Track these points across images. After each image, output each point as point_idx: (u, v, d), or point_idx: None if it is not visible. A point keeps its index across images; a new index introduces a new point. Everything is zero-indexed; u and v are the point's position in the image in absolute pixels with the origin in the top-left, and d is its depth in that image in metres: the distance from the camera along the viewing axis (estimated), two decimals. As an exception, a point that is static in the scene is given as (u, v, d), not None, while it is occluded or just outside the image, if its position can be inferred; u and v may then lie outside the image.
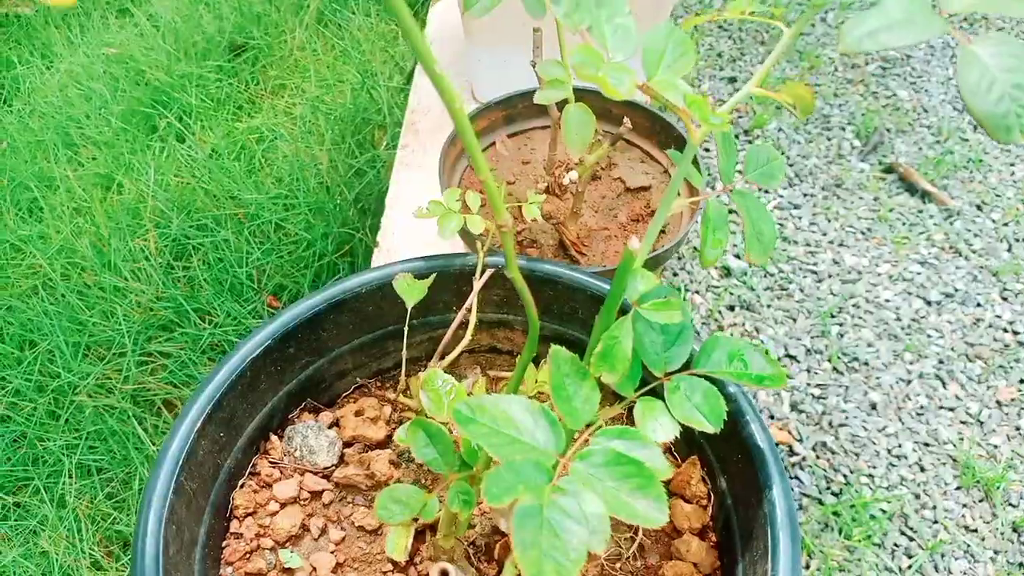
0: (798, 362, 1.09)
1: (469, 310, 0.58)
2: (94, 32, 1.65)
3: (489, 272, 0.57)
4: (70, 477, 1.02)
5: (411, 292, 0.55)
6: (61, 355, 1.12)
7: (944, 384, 1.06)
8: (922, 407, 1.03)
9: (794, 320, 1.14)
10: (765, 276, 1.18)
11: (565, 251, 0.79)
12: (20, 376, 1.11)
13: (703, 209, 0.49)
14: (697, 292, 1.14)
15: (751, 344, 0.48)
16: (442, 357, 0.55)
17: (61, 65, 1.59)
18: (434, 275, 0.58)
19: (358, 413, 0.60)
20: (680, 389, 0.46)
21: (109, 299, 1.16)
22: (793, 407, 1.03)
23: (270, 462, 0.58)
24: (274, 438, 0.59)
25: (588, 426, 0.42)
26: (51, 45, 1.65)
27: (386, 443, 0.61)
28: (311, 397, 0.62)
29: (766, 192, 1.32)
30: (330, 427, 0.61)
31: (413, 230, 0.98)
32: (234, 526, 0.56)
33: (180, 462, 0.50)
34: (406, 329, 0.58)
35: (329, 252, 1.14)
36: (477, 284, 0.58)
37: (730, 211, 1.07)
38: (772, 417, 1.02)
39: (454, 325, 0.58)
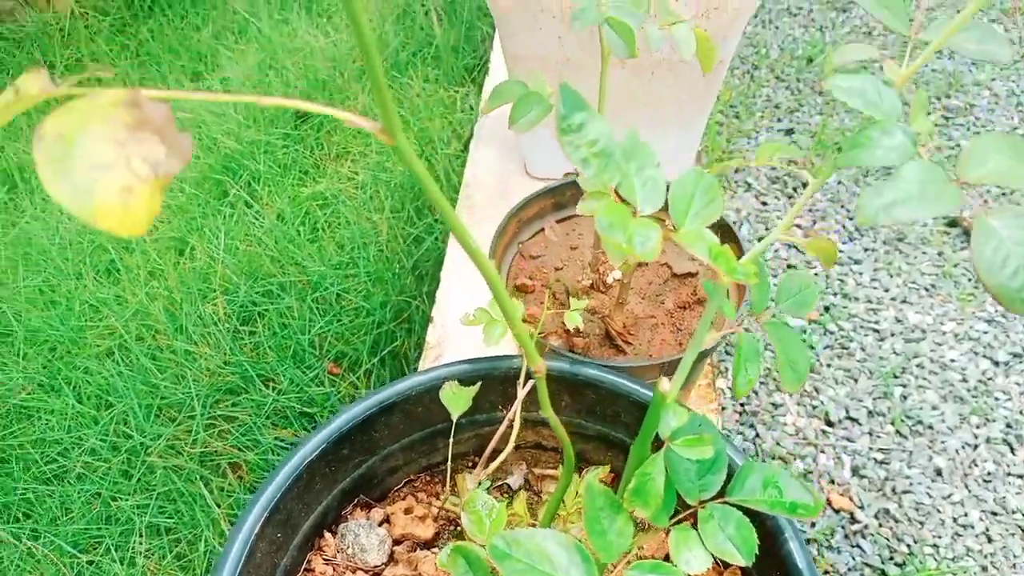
0: (859, 424, 1.08)
1: (513, 417, 0.60)
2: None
3: (531, 383, 0.60)
4: (140, 536, 1.07)
5: (456, 402, 0.58)
6: (134, 416, 1.17)
7: (1013, 449, 1.04)
8: (989, 473, 1.02)
9: (855, 380, 1.13)
10: (825, 334, 1.18)
11: (611, 341, 0.81)
12: (96, 436, 1.17)
13: (736, 343, 0.51)
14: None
15: (786, 470, 0.50)
16: (487, 464, 0.58)
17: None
18: (479, 383, 0.60)
19: (407, 511, 0.63)
20: (713, 518, 0.47)
21: (180, 362, 1.21)
22: (855, 472, 1.03)
23: (324, 559, 0.61)
24: (328, 535, 0.62)
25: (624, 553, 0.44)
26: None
27: (434, 541, 0.63)
28: (363, 493, 0.65)
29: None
30: (380, 524, 0.63)
31: (467, 304, 1.02)
32: (291, 622, 0.59)
33: (239, 566, 0.53)
34: (451, 441, 0.61)
35: (387, 320, 1.18)
36: (521, 392, 0.60)
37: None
38: (832, 482, 1.02)
39: (499, 432, 0.60)
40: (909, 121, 0.45)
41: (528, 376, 0.62)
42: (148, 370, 1.21)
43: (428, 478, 0.68)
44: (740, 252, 0.86)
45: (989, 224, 0.38)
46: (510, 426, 0.61)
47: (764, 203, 1.90)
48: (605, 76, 0.66)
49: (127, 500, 1.10)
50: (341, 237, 1.32)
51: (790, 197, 1.80)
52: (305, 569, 0.61)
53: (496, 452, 0.62)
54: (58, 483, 1.14)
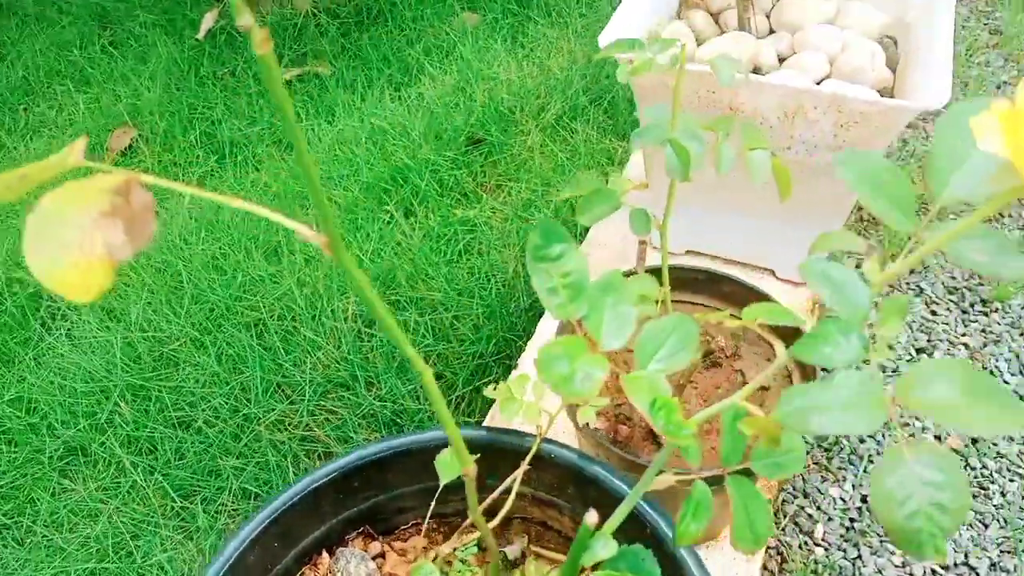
0: (977, 574, 1.02)
1: (509, 488, 0.64)
2: (372, 102, 1.89)
3: (524, 465, 0.63)
4: (231, 495, 1.19)
5: (447, 469, 0.62)
6: (255, 387, 1.31)
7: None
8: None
9: (985, 526, 1.07)
10: (965, 468, 1.12)
11: (655, 437, 0.82)
12: (222, 396, 1.31)
13: (689, 490, 0.52)
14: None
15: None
16: (465, 532, 0.62)
17: (338, 126, 1.84)
18: (478, 455, 0.64)
19: (402, 552, 0.68)
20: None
21: (305, 349, 1.33)
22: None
23: None
24: (326, 555, 0.69)
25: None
26: (335, 107, 1.91)
27: (417, 584, 0.68)
28: (369, 524, 0.71)
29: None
30: (375, 558, 0.69)
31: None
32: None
33: (230, 562, 0.60)
34: (433, 502, 0.65)
35: (488, 354, 1.24)
36: (521, 467, 0.64)
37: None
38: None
39: (494, 494, 0.64)
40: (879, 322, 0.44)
41: (535, 455, 0.66)
42: (277, 349, 1.34)
43: (435, 525, 0.73)
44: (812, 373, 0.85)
45: (901, 453, 0.38)
46: (506, 493, 0.65)
47: (934, 312, 1.80)
48: (673, 191, 0.68)
49: (229, 460, 1.23)
50: (473, 265, 1.39)
51: (964, 312, 1.69)
52: (296, 578, 0.68)
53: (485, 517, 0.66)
54: (182, 430, 1.29)
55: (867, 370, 0.40)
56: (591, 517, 0.49)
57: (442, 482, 0.63)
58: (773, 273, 1.15)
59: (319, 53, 2.08)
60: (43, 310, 1.51)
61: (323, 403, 1.27)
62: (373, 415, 1.23)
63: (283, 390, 1.31)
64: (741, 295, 0.88)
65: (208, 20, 2.09)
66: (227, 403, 1.30)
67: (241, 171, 1.78)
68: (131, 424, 1.30)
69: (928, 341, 1.79)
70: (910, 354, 1.76)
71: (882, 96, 1.00)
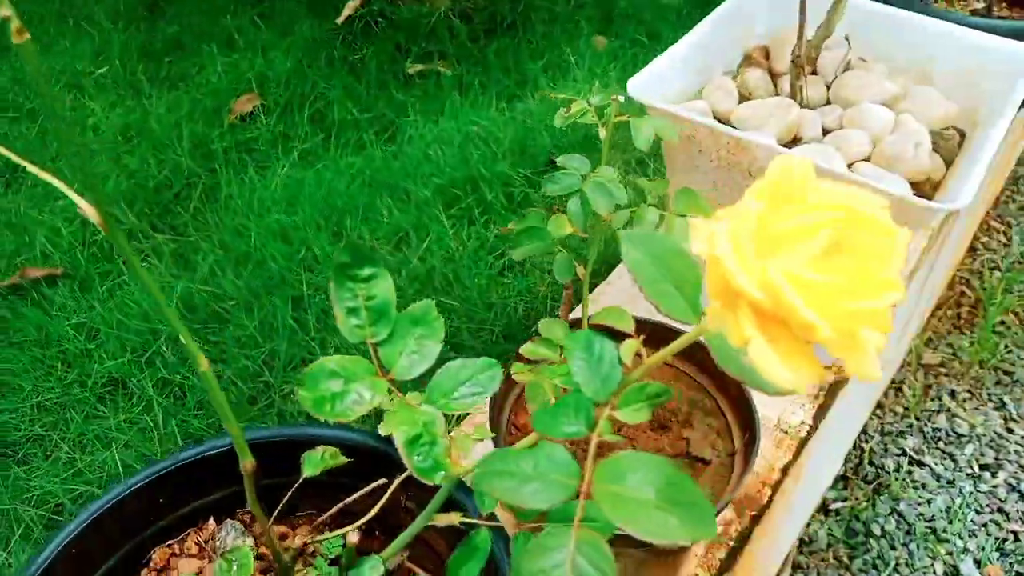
0: None
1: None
2: (479, 108, 1.93)
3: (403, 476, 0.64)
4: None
5: (311, 464, 0.64)
6: (280, 358, 1.37)
7: None
8: None
9: None
10: None
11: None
12: (251, 360, 1.38)
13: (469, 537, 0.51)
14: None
15: None
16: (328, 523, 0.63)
17: (441, 125, 1.89)
18: (348, 460, 0.66)
19: (282, 536, 0.71)
20: None
21: (335, 331, 1.39)
22: None
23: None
24: (213, 522, 0.72)
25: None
26: (444, 107, 1.96)
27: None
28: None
29: None
30: (259, 535, 0.72)
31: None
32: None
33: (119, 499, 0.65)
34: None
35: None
36: (396, 482, 0.65)
37: None
38: None
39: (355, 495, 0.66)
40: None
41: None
42: (310, 327, 1.40)
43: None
44: (752, 440, 0.80)
45: (567, 536, 0.36)
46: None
47: (1010, 429, 1.67)
48: (594, 241, 0.67)
49: (242, 421, 1.30)
50: (511, 284, 1.40)
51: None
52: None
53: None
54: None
55: (564, 453, 0.38)
56: (352, 537, 0.49)
57: (304, 473, 0.65)
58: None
59: (444, 54, 2.14)
60: (130, 248, 1.63)
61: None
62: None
63: (306, 365, 1.37)
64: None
65: (351, 7, 2.20)
66: (253, 366, 1.37)
67: (342, 152, 1.86)
68: (169, 368, 1.40)
69: (995, 459, 1.65)
70: (971, 468, 1.63)
71: (918, 188, 0.94)
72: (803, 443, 1.02)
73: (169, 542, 0.74)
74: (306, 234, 1.59)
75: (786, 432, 1.02)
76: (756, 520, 0.97)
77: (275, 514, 0.71)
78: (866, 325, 0.31)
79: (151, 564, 0.73)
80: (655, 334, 0.85)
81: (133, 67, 2.07)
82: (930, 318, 1.91)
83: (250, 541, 0.71)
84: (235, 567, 0.60)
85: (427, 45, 2.16)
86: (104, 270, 1.59)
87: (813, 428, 1.04)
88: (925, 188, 0.94)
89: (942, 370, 1.84)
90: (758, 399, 1.07)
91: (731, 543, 0.94)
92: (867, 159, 0.95)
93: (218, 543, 0.71)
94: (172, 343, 1.43)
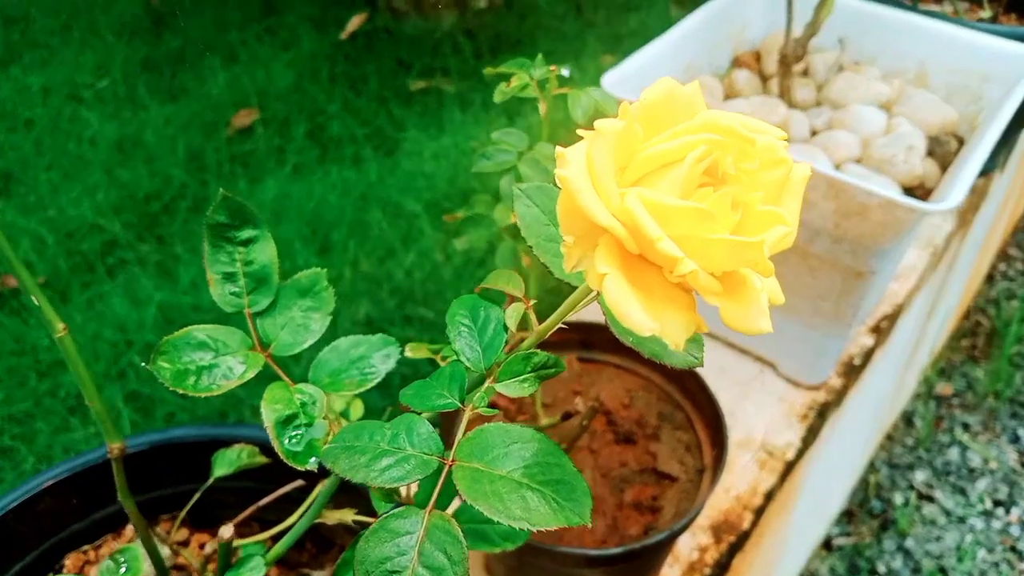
0: None
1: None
2: (480, 124, 1.89)
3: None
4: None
5: (224, 463, 0.58)
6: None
7: None
8: None
9: None
10: None
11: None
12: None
13: None
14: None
15: None
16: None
17: (441, 140, 1.85)
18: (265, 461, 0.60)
19: (202, 545, 0.66)
20: None
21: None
22: None
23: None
24: (130, 529, 0.67)
25: None
26: (445, 122, 1.93)
27: None
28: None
29: None
30: (181, 543, 0.67)
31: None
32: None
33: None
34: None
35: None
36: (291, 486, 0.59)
37: None
38: None
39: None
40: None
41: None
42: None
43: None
44: (719, 438, 0.74)
45: (419, 518, 0.30)
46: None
47: (1025, 464, 1.58)
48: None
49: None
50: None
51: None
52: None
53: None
54: (179, 397, 1.33)
55: (425, 425, 0.32)
56: (226, 531, 0.44)
57: (216, 473, 0.60)
58: (775, 368, 1.03)
59: (447, 70, 2.11)
60: (113, 258, 1.60)
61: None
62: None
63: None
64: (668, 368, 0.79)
65: (355, 22, 2.18)
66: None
67: (337, 167, 1.83)
68: (140, 380, 1.36)
69: (1009, 494, 1.56)
70: (983, 504, 1.54)
71: (912, 193, 0.88)
72: (790, 466, 0.95)
73: (84, 548, 0.69)
74: (292, 247, 1.55)
75: (771, 454, 0.95)
76: (736, 548, 0.90)
77: (182, 516, 0.66)
78: (744, 264, 0.25)
79: (63, 570, 0.68)
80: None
81: (134, 80, 2.06)
82: (944, 348, 1.83)
83: (167, 551, 0.65)
84: (123, 569, 0.55)
85: (430, 61, 2.14)
86: (85, 281, 1.56)
87: (801, 451, 0.97)
88: (918, 193, 0.88)
89: (955, 401, 1.76)
90: (744, 415, 1.00)
91: (706, 570, 0.87)
92: (858, 161, 0.89)
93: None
94: (146, 354, 1.39)
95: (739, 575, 0.98)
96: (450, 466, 0.32)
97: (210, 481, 0.60)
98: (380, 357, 0.43)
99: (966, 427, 1.70)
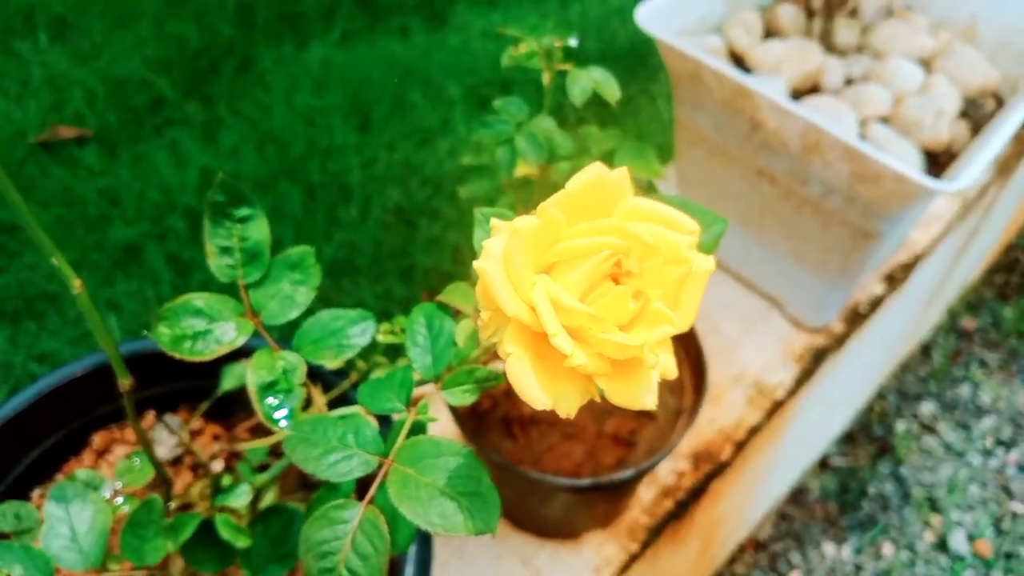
0: None
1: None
2: (536, 1, 1.84)
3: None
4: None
5: (232, 378, 0.64)
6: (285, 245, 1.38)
7: None
8: None
9: None
10: None
11: (508, 426, 0.79)
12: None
13: None
14: None
15: None
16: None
17: (488, 18, 1.82)
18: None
19: (215, 437, 0.73)
20: None
21: (336, 224, 1.38)
22: None
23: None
24: (152, 414, 0.74)
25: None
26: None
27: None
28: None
29: None
30: (194, 433, 0.74)
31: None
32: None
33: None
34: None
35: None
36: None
37: None
38: None
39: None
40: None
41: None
42: (301, 219, 1.40)
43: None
44: (700, 385, 0.78)
45: (349, 510, 0.35)
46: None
47: None
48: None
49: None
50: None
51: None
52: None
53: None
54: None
55: (371, 428, 0.36)
56: (217, 466, 0.49)
57: (222, 388, 0.66)
58: (781, 307, 1.05)
59: None
60: (160, 117, 1.64)
61: (331, 281, 1.32)
62: (363, 304, 1.27)
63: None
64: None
65: None
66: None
67: (383, 38, 1.82)
68: (180, 243, 1.42)
69: (1012, 436, 1.59)
70: (984, 442, 1.57)
71: (937, 158, 0.86)
72: (778, 405, 0.99)
73: (111, 427, 0.76)
74: (331, 120, 1.57)
75: (760, 391, 0.99)
76: (713, 476, 0.95)
77: (198, 413, 0.72)
78: (629, 355, 0.28)
79: (92, 446, 0.75)
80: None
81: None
82: (977, 283, 1.81)
83: (183, 438, 0.72)
84: (136, 464, 0.61)
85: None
86: (133, 136, 1.60)
87: (792, 390, 1.00)
88: (942, 158, 0.86)
89: (977, 337, 1.76)
90: (743, 351, 1.04)
91: (680, 494, 0.92)
92: (886, 119, 0.88)
93: (154, 434, 0.73)
94: (186, 218, 1.45)
95: (718, 496, 1.04)
96: (388, 467, 0.36)
97: (218, 393, 0.66)
98: (357, 330, 0.46)
99: (983, 364, 1.71)
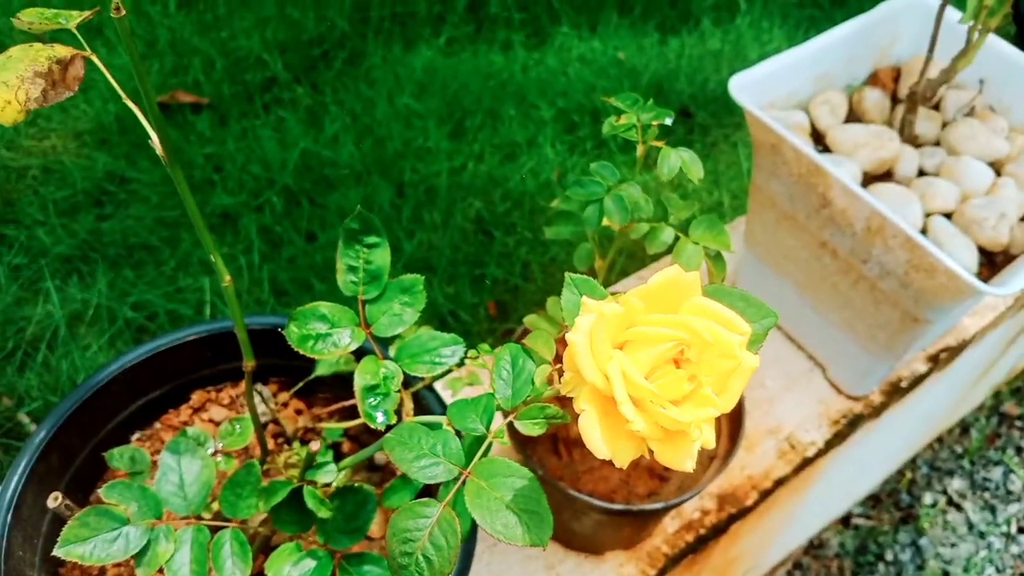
0: None
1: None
2: (634, 31, 1.91)
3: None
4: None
5: (324, 366, 0.73)
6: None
7: None
8: None
9: None
10: None
11: (555, 443, 0.87)
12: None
13: None
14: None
15: None
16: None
17: (588, 43, 1.89)
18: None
19: (299, 411, 0.82)
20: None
21: (421, 225, 1.47)
22: None
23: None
24: (231, 387, 0.83)
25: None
26: (597, 22, 1.96)
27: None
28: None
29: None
30: (283, 404, 0.83)
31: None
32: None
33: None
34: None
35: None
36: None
37: None
38: None
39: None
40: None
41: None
42: (390, 213, 1.50)
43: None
44: (736, 435, 0.85)
45: (429, 507, 0.43)
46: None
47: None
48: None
49: (317, 283, 1.42)
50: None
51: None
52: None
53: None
54: (305, 241, 1.50)
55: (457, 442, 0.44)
56: (314, 446, 0.58)
57: (315, 373, 0.75)
58: (824, 370, 1.11)
59: None
60: (270, 95, 1.75)
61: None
62: (433, 304, 1.36)
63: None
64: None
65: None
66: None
67: (485, 49, 1.90)
68: (275, 217, 1.53)
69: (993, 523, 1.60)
70: (1008, 527, 1.60)
71: (994, 257, 0.92)
72: (807, 461, 1.05)
73: (209, 388, 0.86)
74: (427, 123, 1.66)
75: (793, 447, 1.05)
76: (735, 519, 1.01)
77: (292, 392, 0.81)
78: (680, 428, 0.35)
79: (190, 402, 0.85)
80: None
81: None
82: (1026, 369, 1.83)
83: (270, 408, 0.82)
84: (237, 430, 0.70)
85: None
86: (243, 110, 1.72)
87: (823, 451, 1.06)
88: (999, 259, 0.91)
89: (1018, 423, 1.78)
90: (782, 406, 1.10)
91: (702, 530, 0.99)
92: (950, 214, 0.93)
93: (244, 400, 0.82)
94: (283, 195, 1.55)
95: (736, 537, 1.10)
96: (466, 477, 0.44)
97: (311, 376, 0.75)
98: (448, 351, 0.54)
99: (1020, 450, 1.73)
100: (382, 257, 0.55)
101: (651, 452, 0.38)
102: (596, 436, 0.36)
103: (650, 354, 0.36)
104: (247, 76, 1.76)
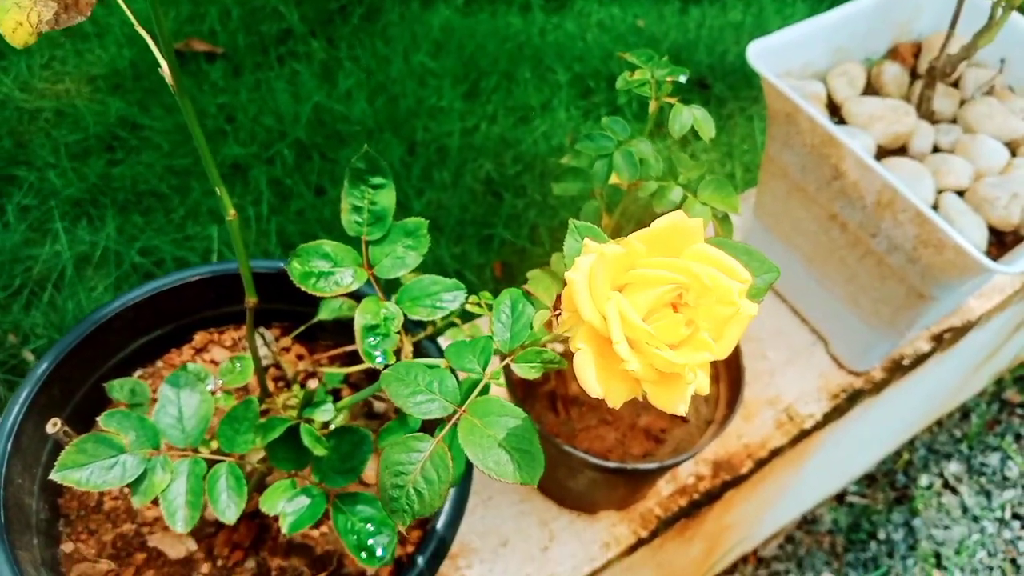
0: None
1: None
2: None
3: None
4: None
5: (327, 310, 0.73)
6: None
7: None
8: None
9: None
10: None
11: (552, 402, 0.87)
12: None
13: None
14: None
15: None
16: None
17: (608, 8, 1.88)
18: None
19: (300, 356, 0.82)
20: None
21: (430, 182, 1.47)
22: None
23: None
24: (232, 329, 0.84)
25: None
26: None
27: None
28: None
29: None
30: (284, 349, 0.83)
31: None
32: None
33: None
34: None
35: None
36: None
37: None
38: None
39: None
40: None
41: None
42: (399, 171, 1.49)
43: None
44: (734, 401, 0.85)
45: (422, 442, 0.43)
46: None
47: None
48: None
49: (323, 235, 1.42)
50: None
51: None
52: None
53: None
54: (314, 195, 1.50)
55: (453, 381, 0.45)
56: (312, 384, 0.58)
57: (318, 317, 0.75)
58: (826, 344, 1.11)
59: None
60: (285, 48, 1.74)
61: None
62: (440, 263, 1.36)
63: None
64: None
65: None
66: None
67: (504, 10, 1.89)
68: (285, 170, 1.53)
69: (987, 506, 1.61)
70: (1003, 512, 1.61)
71: (1003, 237, 0.91)
72: (804, 434, 1.05)
73: (212, 330, 0.86)
74: (442, 83, 1.65)
75: (791, 418, 1.05)
76: (729, 486, 1.02)
77: (294, 334, 0.81)
78: (674, 370, 0.35)
79: (193, 343, 0.85)
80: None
81: None
82: (1030, 356, 1.82)
83: (272, 351, 0.82)
84: (237, 368, 0.71)
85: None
86: (257, 61, 1.71)
87: (820, 424, 1.06)
88: (1008, 239, 0.91)
89: (1019, 411, 1.78)
90: (782, 378, 1.10)
91: (696, 495, 1.00)
92: (962, 192, 0.92)
93: (247, 342, 0.83)
94: (294, 148, 1.55)
95: (730, 505, 1.11)
96: (460, 415, 0.44)
97: (313, 320, 0.75)
98: (450, 296, 0.55)
99: (1018, 438, 1.73)
100: (387, 198, 0.55)
101: (644, 396, 0.38)
102: (591, 375, 0.36)
103: (648, 296, 0.36)
104: (263, 27, 1.75)
